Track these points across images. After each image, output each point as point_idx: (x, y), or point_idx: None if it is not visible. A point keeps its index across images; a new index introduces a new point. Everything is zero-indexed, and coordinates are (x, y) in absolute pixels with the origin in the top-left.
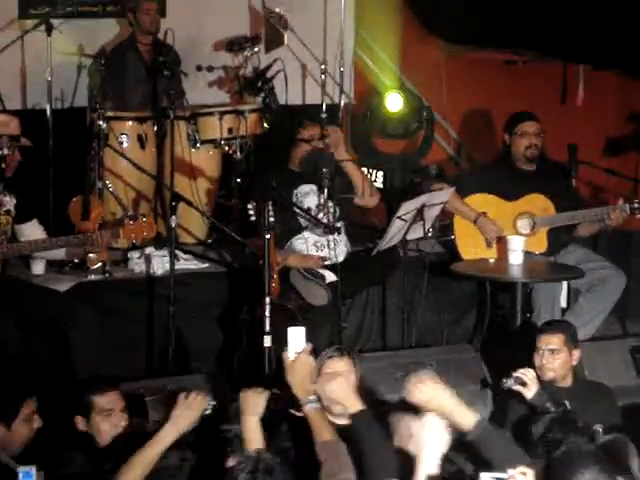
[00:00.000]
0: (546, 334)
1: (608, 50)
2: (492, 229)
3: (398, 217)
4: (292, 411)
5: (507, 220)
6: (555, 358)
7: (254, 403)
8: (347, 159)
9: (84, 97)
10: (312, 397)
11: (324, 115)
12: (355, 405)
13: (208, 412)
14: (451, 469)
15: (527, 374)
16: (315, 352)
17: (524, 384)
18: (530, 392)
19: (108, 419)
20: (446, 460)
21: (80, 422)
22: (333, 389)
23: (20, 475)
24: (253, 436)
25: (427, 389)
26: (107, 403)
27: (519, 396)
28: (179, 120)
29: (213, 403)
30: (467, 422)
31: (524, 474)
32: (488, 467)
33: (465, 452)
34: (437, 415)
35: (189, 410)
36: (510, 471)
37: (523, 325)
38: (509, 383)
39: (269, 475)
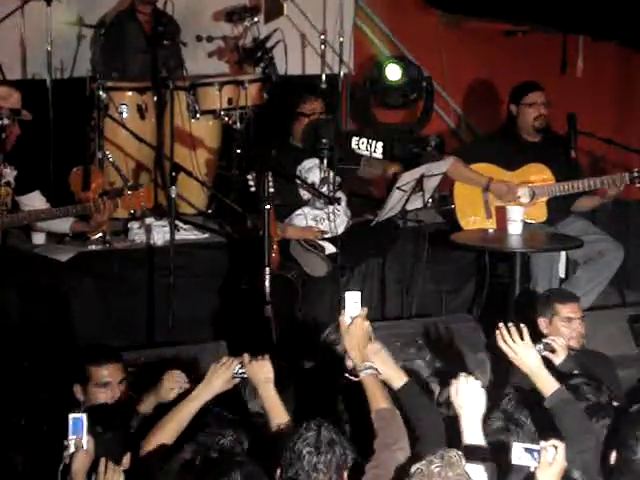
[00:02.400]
0: (573, 302)
1: (607, 21)
2: (507, 190)
3: (397, 188)
4: (348, 376)
5: None
6: (583, 326)
7: (263, 371)
8: None
9: (84, 67)
10: (368, 363)
11: (324, 85)
12: (400, 377)
13: (239, 378)
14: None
15: (557, 341)
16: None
17: (553, 351)
18: (559, 359)
19: (104, 391)
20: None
21: (78, 391)
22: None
23: (71, 421)
24: (274, 404)
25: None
26: (104, 375)
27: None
28: (179, 90)
29: (243, 371)
30: (547, 388)
31: (555, 447)
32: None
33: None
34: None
35: (222, 371)
36: (542, 443)
37: (522, 294)
38: (538, 348)
39: (331, 447)
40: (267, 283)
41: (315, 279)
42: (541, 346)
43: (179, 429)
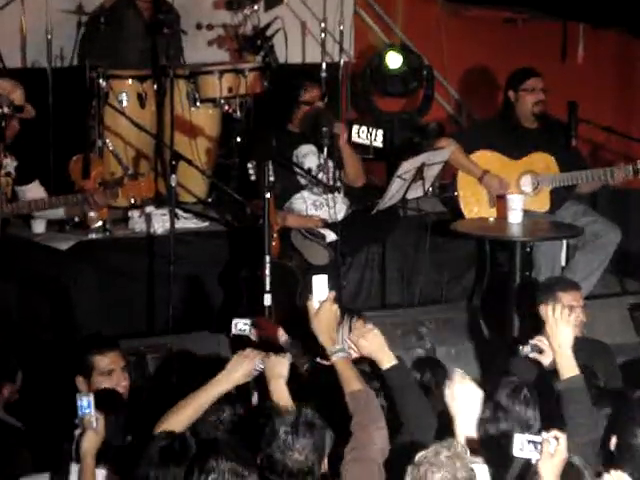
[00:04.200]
0: (575, 290)
1: (608, 8)
2: (498, 186)
3: (398, 176)
4: (319, 361)
5: (510, 178)
6: (584, 314)
7: (279, 367)
8: (346, 147)
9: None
10: (339, 346)
11: (324, 74)
12: (389, 359)
13: (258, 371)
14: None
15: (544, 341)
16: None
17: (541, 351)
18: (548, 359)
19: (109, 379)
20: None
21: (81, 382)
22: (363, 345)
23: (78, 400)
24: (282, 399)
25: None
26: (108, 364)
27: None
28: (179, 79)
29: (262, 365)
30: (566, 370)
31: (557, 438)
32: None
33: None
34: None
35: (244, 363)
36: (544, 434)
37: (522, 283)
38: (526, 350)
39: (310, 430)
40: (267, 271)
41: (316, 267)
42: (529, 347)
43: (194, 417)
